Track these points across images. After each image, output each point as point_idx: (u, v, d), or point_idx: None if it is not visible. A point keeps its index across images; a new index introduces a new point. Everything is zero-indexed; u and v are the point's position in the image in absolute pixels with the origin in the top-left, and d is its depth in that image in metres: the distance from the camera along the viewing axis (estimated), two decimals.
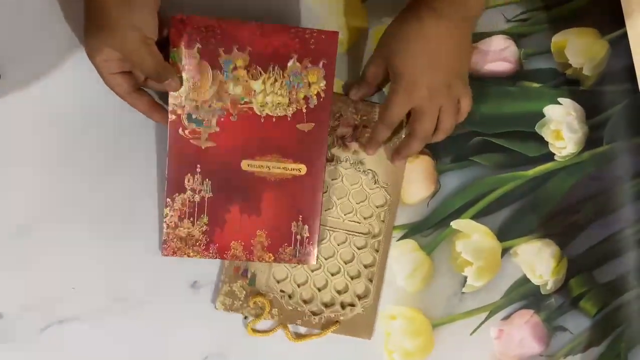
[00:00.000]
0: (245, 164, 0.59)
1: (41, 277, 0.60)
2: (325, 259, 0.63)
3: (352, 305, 0.63)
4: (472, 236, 0.65)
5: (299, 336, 0.63)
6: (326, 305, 0.63)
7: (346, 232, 0.63)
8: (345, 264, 0.63)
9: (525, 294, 0.66)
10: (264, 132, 0.59)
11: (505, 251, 0.66)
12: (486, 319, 0.65)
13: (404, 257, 0.64)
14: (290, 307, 0.62)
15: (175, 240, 0.59)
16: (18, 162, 0.61)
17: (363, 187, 0.63)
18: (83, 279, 0.61)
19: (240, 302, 0.61)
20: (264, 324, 0.63)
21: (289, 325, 0.63)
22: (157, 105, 0.59)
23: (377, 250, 0.63)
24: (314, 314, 0.63)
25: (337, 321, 0.63)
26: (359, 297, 0.63)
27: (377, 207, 0.63)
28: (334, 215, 0.63)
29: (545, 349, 0.66)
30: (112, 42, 0.53)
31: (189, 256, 0.59)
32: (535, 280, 0.66)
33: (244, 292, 0.62)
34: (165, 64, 0.56)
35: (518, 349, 0.65)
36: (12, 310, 0.60)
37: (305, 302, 0.62)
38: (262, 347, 0.63)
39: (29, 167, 0.61)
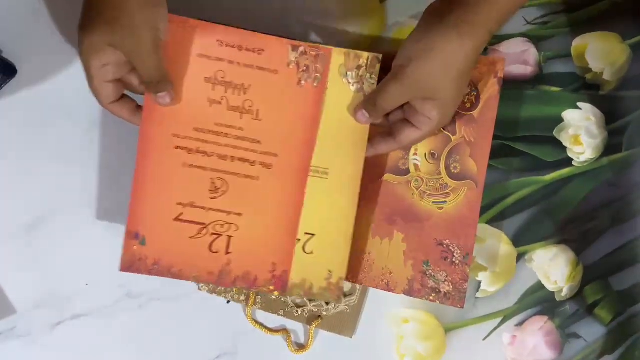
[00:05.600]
0: None
1: (54, 273, 0.61)
2: None
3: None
4: (487, 241, 0.65)
5: (300, 347, 0.63)
6: (310, 300, 0.62)
7: None
8: None
9: (539, 300, 0.65)
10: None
11: (520, 257, 0.65)
12: (499, 324, 0.65)
13: None
14: (273, 297, 0.62)
15: None
16: (31, 157, 0.61)
17: None
18: (96, 275, 0.61)
19: (224, 287, 0.61)
20: (267, 318, 0.63)
21: (292, 335, 0.63)
22: (140, 108, 0.54)
23: None
24: (297, 306, 0.62)
25: (319, 316, 0.62)
26: (345, 295, 0.63)
27: None
28: None
29: (559, 356, 0.65)
30: (121, 41, 0.47)
31: None
32: (550, 287, 0.65)
33: None
34: (166, 73, 0.51)
35: (531, 355, 0.65)
36: (26, 306, 0.60)
37: None
38: (274, 346, 0.63)
39: (43, 163, 0.61)
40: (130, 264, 0.54)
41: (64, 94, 0.61)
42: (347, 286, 0.63)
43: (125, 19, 0.47)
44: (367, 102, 0.54)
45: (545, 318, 0.65)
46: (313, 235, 0.56)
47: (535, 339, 0.65)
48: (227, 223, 0.55)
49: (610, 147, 0.66)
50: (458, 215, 0.59)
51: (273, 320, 0.63)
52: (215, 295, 0.61)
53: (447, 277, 0.59)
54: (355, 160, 0.56)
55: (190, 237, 0.55)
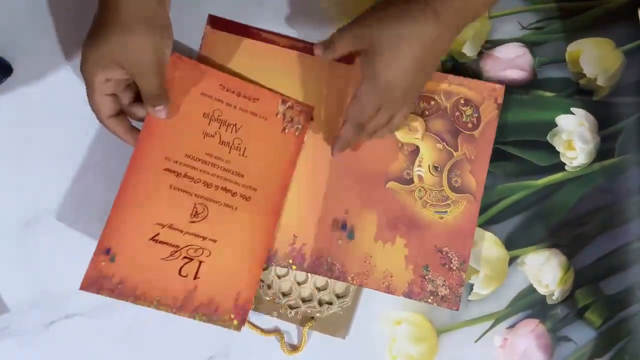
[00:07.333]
0: None
1: (48, 272, 0.61)
2: None
3: (330, 303, 0.63)
4: (480, 244, 0.65)
5: (293, 348, 0.63)
6: (304, 301, 0.63)
7: None
8: None
9: (531, 304, 0.66)
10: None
11: (512, 260, 0.66)
12: (491, 327, 0.65)
13: None
14: (267, 298, 0.62)
15: None
16: (26, 156, 0.61)
17: None
18: None
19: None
20: (260, 319, 0.63)
21: (285, 336, 0.63)
22: (135, 129, 0.57)
23: None
24: (291, 307, 0.63)
25: (312, 317, 0.63)
26: (338, 297, 0.63)
27: None
28: None
29: (549, 359, 0.66)
30: (130, 62, 0.51)
31: None
32: (542, 290, 0.66)
33: None
34: (165, 90, 0.55)
35: (522, 358, 0.65)
36: (20, 305, 0.60)
37: (283, 294, 0.63)
38: (267, 347, 0.63)
39: (37, 162, 0.61)
40: (93, 281, 0.55)
41: (59, 94, 0.61)
42: (340, 288, 0.63)
43: (135, 41, 0.50)
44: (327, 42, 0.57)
45: (537, 321, 0.66)
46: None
47: (526, 341, 0.66)
48: (201, 248, 0.58)
49: (602, 152, 0.67)
50: (457, 225, 0.62)
51: (266, 321, 0.63)
52: None
53: (444, 281, 0.62)
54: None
55: (162, 259, 0.57)
